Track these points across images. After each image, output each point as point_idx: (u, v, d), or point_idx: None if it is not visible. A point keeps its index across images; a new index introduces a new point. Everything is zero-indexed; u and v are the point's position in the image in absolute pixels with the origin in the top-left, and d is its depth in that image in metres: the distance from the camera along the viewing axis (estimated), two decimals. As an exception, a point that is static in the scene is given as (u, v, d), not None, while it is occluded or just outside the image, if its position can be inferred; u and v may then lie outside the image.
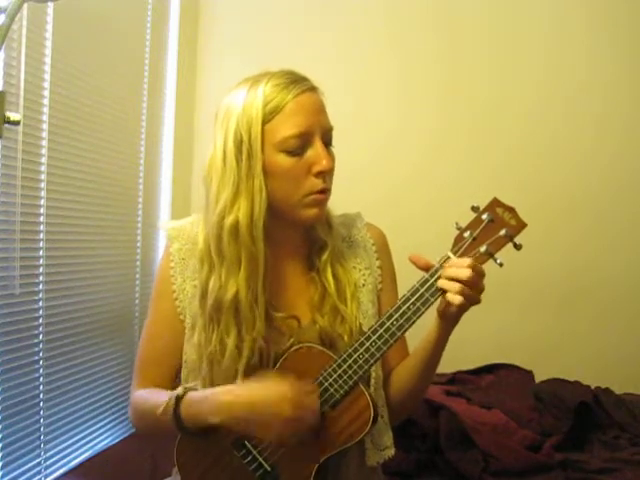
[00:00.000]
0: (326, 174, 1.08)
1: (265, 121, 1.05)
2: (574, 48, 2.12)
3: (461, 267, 0.98)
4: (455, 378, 1.96)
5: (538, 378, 1.98)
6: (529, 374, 1.98)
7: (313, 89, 1.09)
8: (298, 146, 1.06)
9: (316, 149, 1.06)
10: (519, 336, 2.12)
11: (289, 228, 1.14)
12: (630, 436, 1.71)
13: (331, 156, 1.10)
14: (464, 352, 1.85)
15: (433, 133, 2.21)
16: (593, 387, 1.91)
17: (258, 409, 0.99)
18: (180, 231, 1.19)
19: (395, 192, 2.18)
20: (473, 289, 0.98)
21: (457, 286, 0.98)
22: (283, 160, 1.06)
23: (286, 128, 1.05)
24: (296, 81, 1.07)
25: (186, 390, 1.06)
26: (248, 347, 1.06)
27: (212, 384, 1.08)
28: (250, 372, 1.07)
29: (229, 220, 1.05)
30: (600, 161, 2.11)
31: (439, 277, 1.01)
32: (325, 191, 1.09)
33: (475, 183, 2.11)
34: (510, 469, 1.54)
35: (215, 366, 1.08)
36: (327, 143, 1.10)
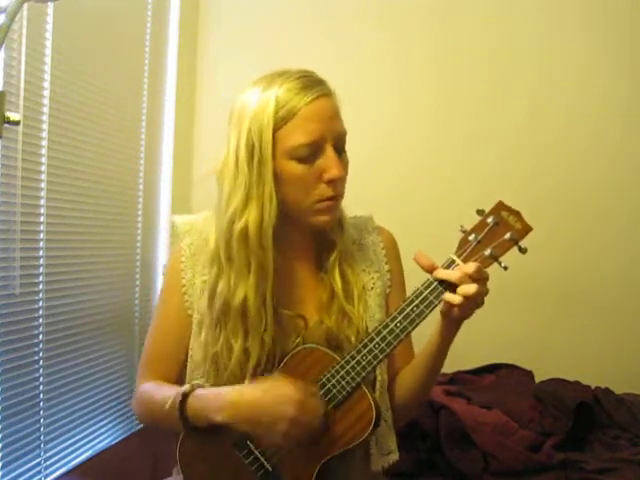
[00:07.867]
0: (337, 181, 1.07)
1: (276, 128, 1.03)
2: (573, 46, 2.12)
3: (467, 282, 0.97)
4: (455, 378, 1.95)
5: (538, 378, 1.97)
6: (529, 374, 1.98)
7: (327, 94, 1.07)
8: (309, 154, 1.04)
9: (327, 157, 1.05)
10: (519, 336, 2.11)
11: (299, 230, 1.14)
12: (630, 436, 1.71)
13: (343, 163, 1.09)
14: (464, 352, 1.84)
15: (433, 131, 2.20)
16: (593, 387, 1.91)
17: (262, 409, 0.99)
18: (192, 226, 1.19)
19: (395, 190, 2.17)
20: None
21: (460, 299, 0.97)
22: (294, 167, 1.05)
23: (297, 136, 1.03)
24: (309, 86, 1.05)
25: (193, 387, 1.06)
26: (255, 351, 1.06)
27: (216, 385, 1.08)
28: (256, 374, 1.07)
29: (239, 226, 1.04)
30: (599, 161, 2.11)
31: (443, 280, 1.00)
32: (336, 197, 1.08)
33: (474, 182, 2.11)
34: (510, 469, 1.54)
35: (220, 368, 1.08)
36: (339, 149, 1.08)
